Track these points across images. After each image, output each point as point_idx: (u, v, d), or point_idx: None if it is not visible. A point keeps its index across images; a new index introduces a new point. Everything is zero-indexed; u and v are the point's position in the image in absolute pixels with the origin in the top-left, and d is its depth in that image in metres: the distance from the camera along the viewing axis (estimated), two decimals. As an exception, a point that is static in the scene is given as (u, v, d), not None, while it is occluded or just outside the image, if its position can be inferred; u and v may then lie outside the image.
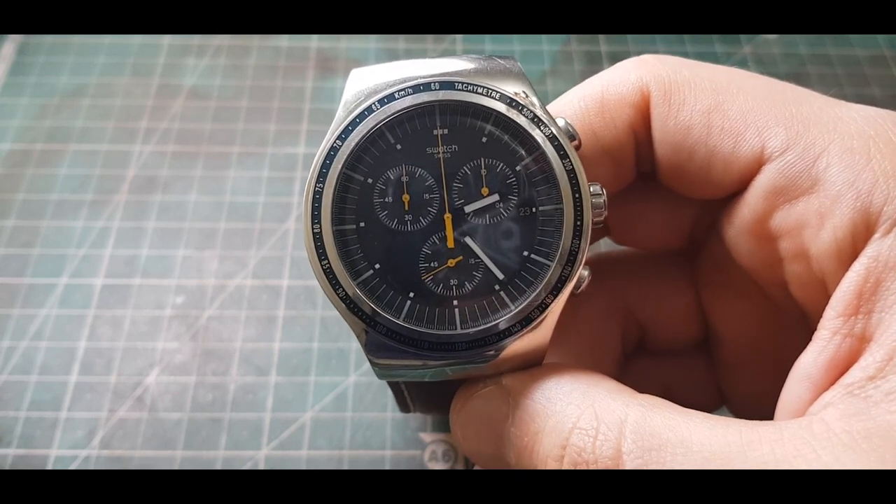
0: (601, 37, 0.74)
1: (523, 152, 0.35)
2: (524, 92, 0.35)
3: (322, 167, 0.34)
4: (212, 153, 0.65)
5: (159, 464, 0.50)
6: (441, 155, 0.34)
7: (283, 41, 0.74)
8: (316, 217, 0.33)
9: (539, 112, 0.34)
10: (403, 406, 0.43)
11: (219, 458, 0.50)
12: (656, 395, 0.43)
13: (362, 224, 0.34)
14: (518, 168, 0.35)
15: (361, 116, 0.34)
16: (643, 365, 0.45)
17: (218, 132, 0.67)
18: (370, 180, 0.34)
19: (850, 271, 0.29)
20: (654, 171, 0.38)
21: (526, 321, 0.33)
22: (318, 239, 0.33)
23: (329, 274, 0.33)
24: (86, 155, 0.65)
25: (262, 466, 0.50)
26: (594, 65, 0.72)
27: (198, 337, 0.55)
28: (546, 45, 0.74)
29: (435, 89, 0.34)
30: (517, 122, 0.34)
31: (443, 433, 0.52)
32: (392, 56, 0.73)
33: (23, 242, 0.60)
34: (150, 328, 0.56)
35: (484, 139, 0.35)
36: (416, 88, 0.34)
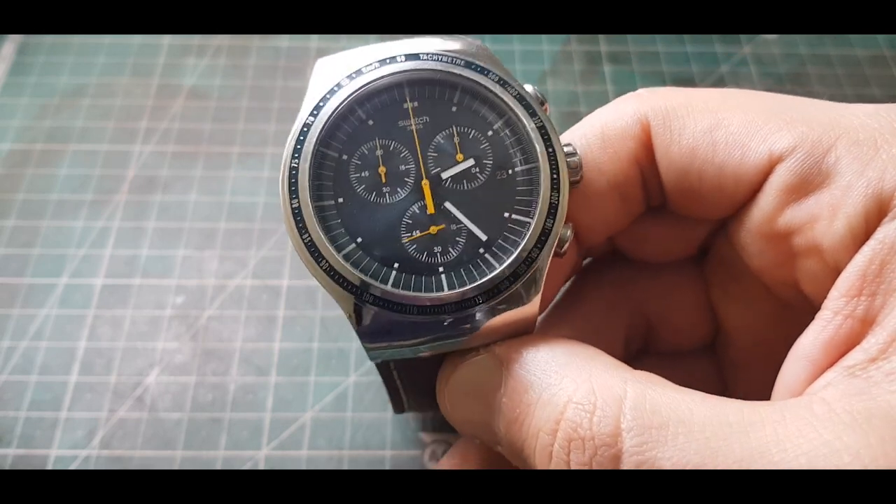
0: (601, 37, 0.74)
1: (494, 115, 0.35)
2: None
3: (297, 143, 0.33)
4: (212, 153, 0.65)
5: (159, 464, 0.50)
6: (413, 127, 0.35)
7: (283, 41, 0.74)
8: (294, 192, 0.33)
9: (505, 76, 0.35)
10: (397, 403, 0.43)
11: (219, 458, 0.50)
12: None
13: (341, 200, 0.34)
14: (490, 132, 0.35)
15: (331, 92, 0.34)
16: (648, 367, 0.45)
17: (218, 132, 0.67)
18: (345, 156, 0.34)
19: (857, 254, 0.29)
20: (664, 201, 0.38)
21: (514, 276, 0.33)
22: (297, 214, 0.33)
23: (311, 247, 0.32)
24: (86, 155, 0.65)
25: (262, 466, 0.50)
26: (594, 65, 0.72)
27: (198, 337, 0.55)
28: (546, 45, 0.74)
29: (401, 61, 0.35)
30: (485, 86, 0.35)
31: (443, 433, 0.52)
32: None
33: (23, 242, 0.60)
34: (150, 328, 0.56)
35: (454, 108, 0.35)
36: (383, 62, 0.35)
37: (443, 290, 0.33)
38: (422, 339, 0.33)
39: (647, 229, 0.40)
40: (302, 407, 0.52)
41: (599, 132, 0.36)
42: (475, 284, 0.33)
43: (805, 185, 0.31)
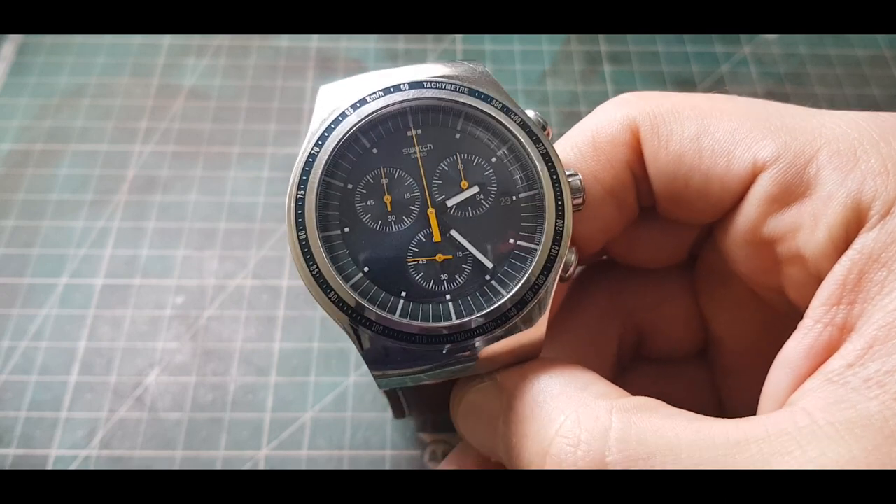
0: (601, 37, 0.74)
1: (497, 142, 0.35)
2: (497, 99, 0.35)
3: (302, 174, 0.34)
4: (212, 153, 0.65)
5: (159, 464, 0.50)
6: (418, 155, 0.35)
7: (283, 41, 0.74)
8: (301, 224, 0.33)
9: (508, 103, 0.35)
10: (398, 411, 0.43)
11: (219, 458, 0.50)
12: None
13: (347, 229, 0.34)
14: (494, 159, 0.35)
15: (336, 122, 0.35)
16: (642, 375, 0.45)
17: (218, 132, 0.67)
18: (350, 186, 0.34)
19: (837, 264, 0.29)
20: (654, 204, 0.38)
21: (520, 304, 0.33)
22: (304, 245, 0.33)
23: (319, 278, 0.33)
24: (86, 155, 0.65)
25: (262, 466, 0.50)
26: (594, 65, 0.72)
27: (198, 337, 0.55)
28: (546, 45, 0.74)
29: (404, 90, 0.35)
30: (488, 114, 0.35)
31: (443, 433, 0.52)
32: (391, 56, 0.73)
33: (23, 242, 0.60)
34: (150, 328, 0.56)
35: (457, 135, 0.35)
36: (387, 91, 0.35)
37: (451, 318, 0.33)
38: (430, 366, 0.34)
39: (638, 234, 0.40)
40: (302, 407, 0.52)
41: (591, 140, 0.37)
42: (482, 313, 0.33)
43: (787, 195, 0.32)
